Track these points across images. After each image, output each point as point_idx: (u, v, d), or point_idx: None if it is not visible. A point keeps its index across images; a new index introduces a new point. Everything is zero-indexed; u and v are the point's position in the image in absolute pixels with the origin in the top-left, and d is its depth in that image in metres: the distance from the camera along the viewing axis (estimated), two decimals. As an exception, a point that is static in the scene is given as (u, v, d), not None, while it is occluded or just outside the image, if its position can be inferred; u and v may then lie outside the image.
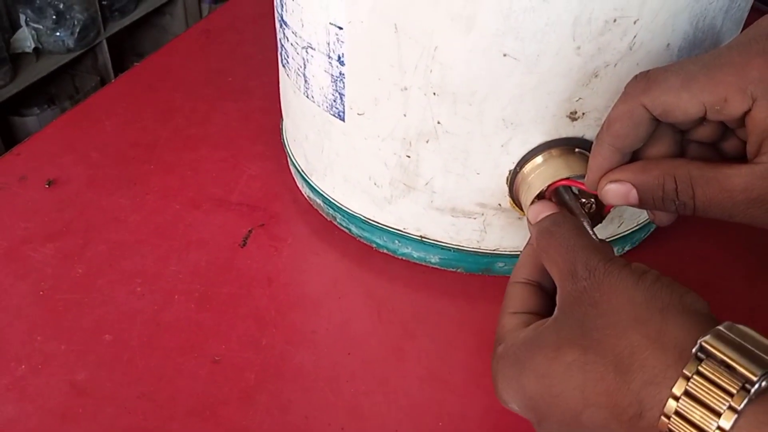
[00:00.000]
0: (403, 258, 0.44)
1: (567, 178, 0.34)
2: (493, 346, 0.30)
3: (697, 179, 0.28)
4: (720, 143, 0.30)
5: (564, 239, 0.28)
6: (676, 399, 0.22)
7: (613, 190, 0.30)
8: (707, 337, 0.22)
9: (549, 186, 0.35)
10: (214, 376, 0.38)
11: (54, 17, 1.53)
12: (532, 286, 0.30)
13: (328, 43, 0.37)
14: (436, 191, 0.39)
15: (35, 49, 1.54)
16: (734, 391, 0.21)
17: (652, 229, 0.46)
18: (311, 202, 0.48)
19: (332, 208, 0.45)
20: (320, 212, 0.47)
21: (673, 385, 0.22)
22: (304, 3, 0.37)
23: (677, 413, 0.22)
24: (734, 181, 0.27)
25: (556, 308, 0.27)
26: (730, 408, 0.21)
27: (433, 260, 0.43)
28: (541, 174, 0.35)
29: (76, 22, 1.57)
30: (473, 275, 0.44)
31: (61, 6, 1.54)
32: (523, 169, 0.36)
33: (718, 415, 0.21)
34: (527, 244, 0.32)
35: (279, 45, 0.44)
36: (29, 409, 0.36)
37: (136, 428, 0.35)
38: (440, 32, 0.33)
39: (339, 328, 0.41)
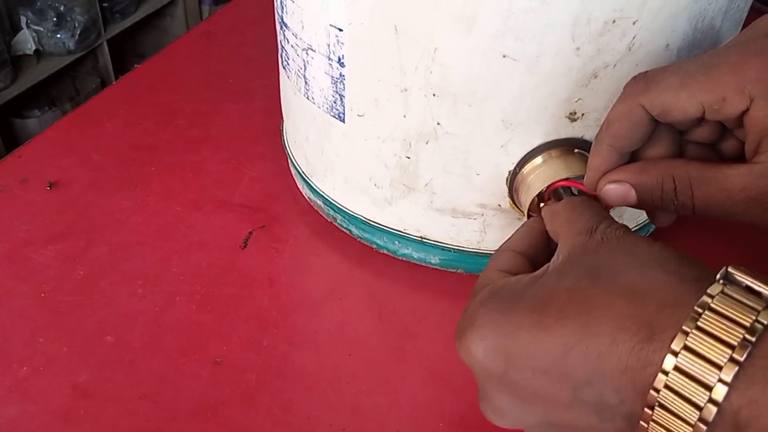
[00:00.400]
0: (404, 259, 0.44)
1: (566, 179, 0.34)
2: None
3: (696, 179, 0.28)
4: (718, 144, 0.30)
5: (591, 205, 0.28)
6: (698, 315, 0.20)
7: (613, 191, 0.30)
8: (730, 267, 0.21)
9: (549, 186, 0.35)
10: (215, 377, 0.38)
11: (55, 19, 1.54)
12: (524, 257, 0.29)
13: (329, 45, 0.37)
14: (436, 192, 0.39)
15: (36, 51, 1.54)
16: (760, 308, 0.20)
17: (651, 230, 0.46)
18: (312, 204, 0.48)
19: (333, 209, 0.45)
20: (321, 213, 0.47)
21: (695, 303, 0.21)
22: (305, 5, 0.37)
23: (699, 327, 0.20)
24: (733, 181, 0.27)
25: (559, 260, 0.25)
26: (757, 322, 0.20)
27: (433, 261, 0.43)
28: (541, 174, 0.35)
29: (76, 24, 1.57)
30: (473, 276, 0.44)
31: (62, 8, 1.54)
32: (523, 169, 0.36)
33: (744, 328, 0.20)
34: (523, 224, 0.31)
35: (279, 47, 0.44)
36: (31, 410, 0.36)
37: (137, 429, 0.35)
38: (440, 33, 0.33)
39: (340, 329, 0.41)
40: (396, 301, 0.43)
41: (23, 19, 1.53)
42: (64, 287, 0.43)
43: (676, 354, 0.20)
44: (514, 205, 0.38)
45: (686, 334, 0.20)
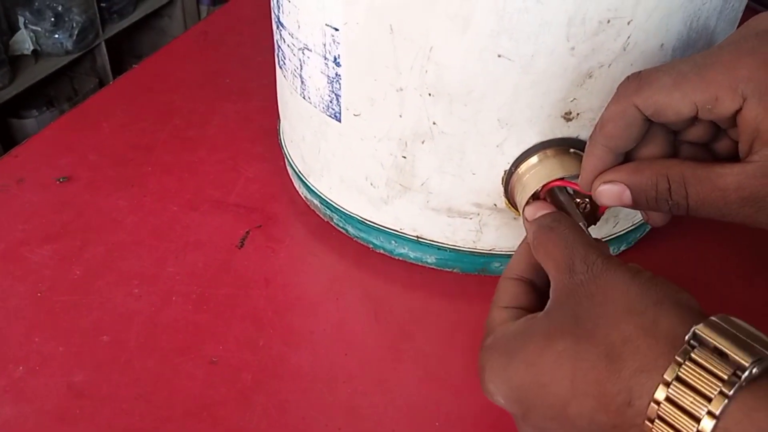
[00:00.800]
0: (400, 258, 0.44)
1: (562, 179, 0.34)
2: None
3: (690, 179, 0.28)
4: (712, 144, 0.30)
5: (563, 235, 0.29)
6: (667, 385, 0.22)
7: (607, 191, 0.30)
8: (700, 326, 0.22)
9: (544, 186, 0.35)
10: (211, 377, 0.38)
11: (52, 19, 1.54)
12: (525, 283, 0.30)
13: (324, 45, 0.37)
14: (432, 191, 0.39)
15: (34, 51, 1.54)
16: (725, 377, 0.21)
17: (647, 230, 0.47)
18: (308, 203, 0.48)
19: (329, 209, 0.45)
20: (317, 213, 0.47)
21: (665, 372, 0.22)
22: (300, 4, 0.37)
23: (668, 399, 0.22)
24: (727, 180, 0.27)
25: (549, 301, 0.27)
26: (721, 393, 0.21)
27: (429, 260, 0.43)
28: (536, 174, 0.35)
29: (74, 25, 1.57)
30: (469, 275, 0.44)
31: (60, 8, 1.54)
32: (518, 169, 0.36)
33: (709, 400, 0.21)
34: (522, 241, 0.32)
35: (276, 46, 0.44)
36: (27, 410, 0.36)
37: (133, 429, 0.35)
38: (435, 33, 0.33)
39: (336, 329, 0.41)
40: (392, 301, 0.43)
41: (21, 19, 1.53)
42: (60, 287, 0.43)
43: (651, 421, 0.22)
44: (509, 205, 0.38)
45: (658, 404, 0.22)
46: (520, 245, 0.32)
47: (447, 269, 0.44)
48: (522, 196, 0.36)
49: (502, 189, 0.38)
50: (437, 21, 0.33)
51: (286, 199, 0.50)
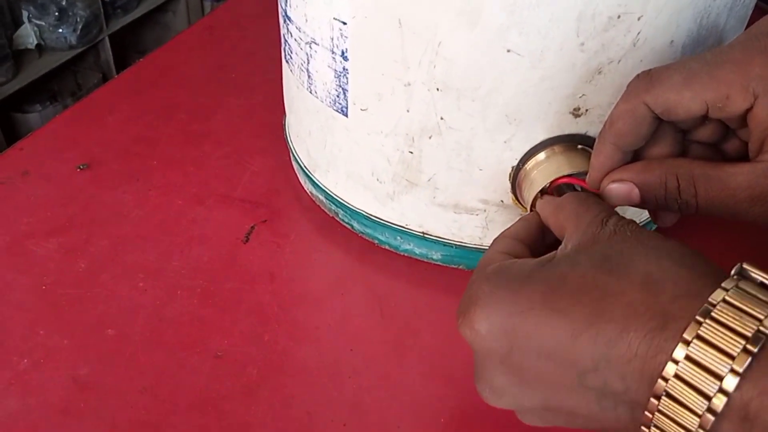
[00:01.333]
0: (406, 254, 0.44)
1: (569, 176, 0.34)
2: None
3: (699, 178, 0.28)
4: (721, 144, 0.30)
5: (594, 200, 0.28)
6: (712, 306, 0.20)
7: (616, 190, 0.30)
8: (745, 263, 0.22)
9: (552, 182, 0.35)
10: (216, 371, 0.38)
11: (56, 14, 1.54)
12: (524, 245, 0.29)
13: (332, 39, 0.37)
14: (439, 187, 0.39)
15: (38, 46, 1.54)
16: None
17: (653, 229, 0.46)
18: (314, 198, 0.48)
19: (335, 204, 0.45)
20: (323, 208, 0.47)
21: (710, 295, 0.21)
22: (308, -2, 0.37)
23: (713, 318, 0.20)
24: (737, 180, 0.27)
25: (566, 249, 0.26)
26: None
27: (435, 257, 0.43)
28: (544, 170, 0.35)
29: (78, 19, 1.57)
30: (475, 272, 0.44)
31: (64, 3, 1.54)
32: (526, 165, 0.36)
33: (758, 321, 0.20)
34: (522, 217, 0.31)
35: (282, 40, 0.44)
36: (31, 403, 0.36)
37: (138, 423, 0.35)
38: (444, 27, 0.33)
39: (341, 324, 0.41)
40: (397, 297, 0.43)
41: (25, 14, 1.53)
42: (65, 280, 0.43)
43: (687, 343, 0.20)
44: (516, 201, 0.38)
45: (699, 324, 0.20)
46: (518, 219, 0.31)
47: (453, 266, 0.44)
48: (529, 193, 0.36)
49: (509, 185, 0.38)
50: (446, 15, 0.32)
51: (292, 194, 0.50)
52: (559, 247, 0.26)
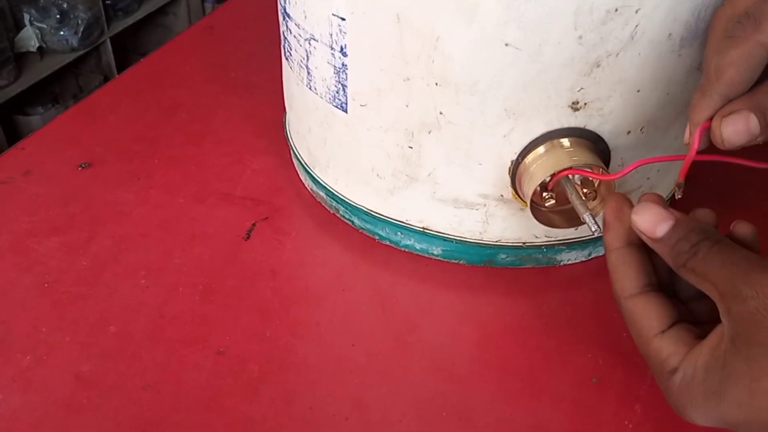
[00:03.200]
0: (406, 250, 0.44)
1: (570, 168, 0.34)
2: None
3: None
4: None
5: (713, 254, 0.26)
6: None
7: (732, 122, 0.28)
8: None
9: (553, 176, 0.35)
10: (218, 368, 0.38)
11: (58, 17, 1.54)
12: (655, 294, 0.29)
13: (331, 35, 0.37)
14: (439, 182, 0.39)
15: (39, 49, 1.55)
16: None
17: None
18: (314, 195, 0.48)
19: (335, 201, 0.45)
20: (323, 205, 0.47)
21: None
22: (307, -5, 0.37)
23: None
24: None
25: (725, 325, 0.26)
26: None
27: (435, 252, 0.43)
28: (544, 164, 0.35)
29: (80, 22, 1.58)
30: (476, 267, 0.44)
31: (65, 5, 1.55)
32: (525, 159, 0.36)
33: None
34: (610, 251, 0.30)
35: (282, 37, 0.44)
36: (34, 399, 0.36)
37: (140, 419, 0.35)
38: (442, 22, 0.33)
39: (342, 321, 0.41)
40: (399, 293, 0.43)
41: (26, 17, 1.53)
42: (66, 278, 0.43)
43: None
44: (516, 195, 0.38)
45: None
46: (611, 257, 0.30)
47: (453, 261, 0.44)
48: (529, 187, 0.36)
49: (509, 179, 0.38)
50: (444, 10, 0.33)
51: (292, 191, 0.50)
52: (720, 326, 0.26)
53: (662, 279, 0.30)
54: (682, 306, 0.30)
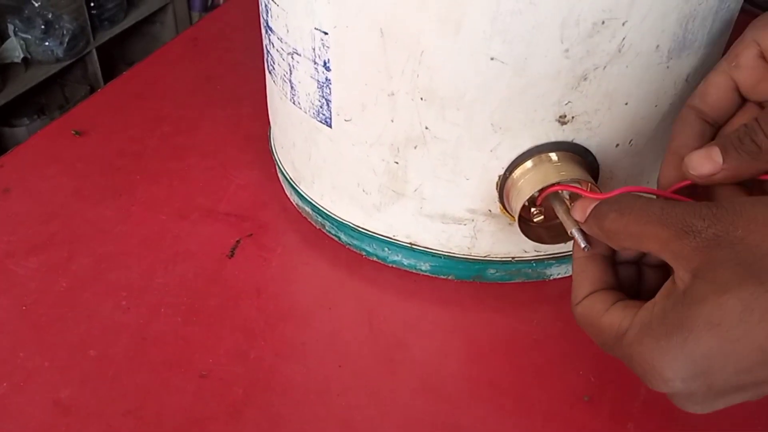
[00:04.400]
0: (394, 266, 0.43)
1: (558, 183, 0.34)
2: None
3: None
4: None
5: (648, 208, 0.27)
6: None
7: (697, 155, 0.29)
8: None
9: (541, 191, 0.34)
10: (201, 391, 0.37)
11: (43, 27, 1.53)
12: (602, 290, 0.29)
13: (314, 49, 0.36)
14: (426, 197, 0.39)
15: (24, 59, 1.53)
16: None
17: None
18: (300, 211, 0.47)
19: (321, 216, 0.45)
20: (309, 220, 0.47)
21: None
22: (289, 8, 0.36)
23: None
24: None
25: (679, 271, 0.25)
26: None
27: (423, 268, 0.43)
28: (531, 179, 0.35)
29: (65, 32, 1.56)
30: (465, 282, 0.43)
31: (50, 15, 1.53)
32: (513, 174, 0.36)
33: None
34: (573, 259, 0.31)
35: (265, 51, 0.43)
36: (11, 428, 0.35)
37: (121, 446, 0.34)
38: (427, 36, 0.32)
39: (329, 340, 0.40)
40: (386, 310, 0.42)
41: (11, 27, 1.51)
42: (46, 300, 0.42)
43: None
44: (504, 210, 0.38)
45: None
46: (575, 270, 0.31)
47: (441, 276, 0.43)
48: (517, 202, 0.35)
49: (496, 194, 0.37)
50: (428, 24, 0.32)
51: (278, 206, 0.49)
52: (674, 279, 0.26)
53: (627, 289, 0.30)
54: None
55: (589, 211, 0.29)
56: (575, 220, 0.32)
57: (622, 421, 0.36)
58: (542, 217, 0.36)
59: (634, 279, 0.31)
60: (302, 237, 0.46)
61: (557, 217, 0.34)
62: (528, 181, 0.35)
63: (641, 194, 0.28)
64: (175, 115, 0.57)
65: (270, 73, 0.43)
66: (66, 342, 0.39)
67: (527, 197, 0.34)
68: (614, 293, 0.29)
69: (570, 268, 0.43)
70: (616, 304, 0.28)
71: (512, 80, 0.33)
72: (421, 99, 0.34)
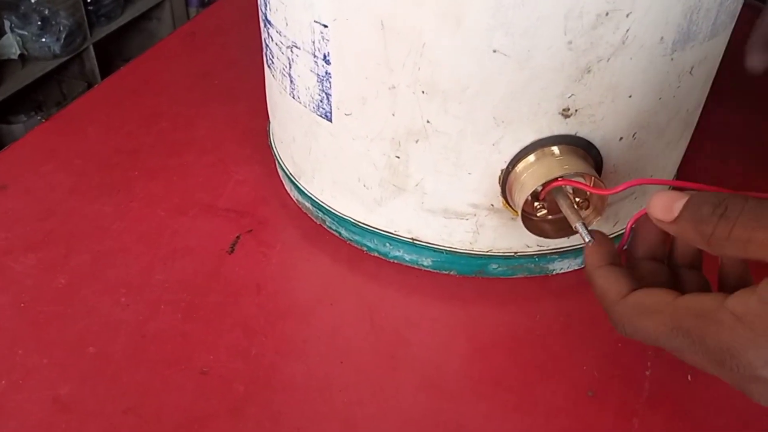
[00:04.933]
0: (395, 261, 0.43)
1: (561, 177, 0.33)
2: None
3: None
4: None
5: (762, 210, 0.23)
6: None
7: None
8: None
9: (545, 186, 0.34)
10: (202, 389, 0.37)
11: (39, 23, 1.52)
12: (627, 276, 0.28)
13: (313, 42, 0.36)
14: (427, 192, 0.38)
15: (21, 56, 1.52)
16: None
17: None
18: (300, 206, 0.47)
19: (321, 212, 0.44)
20: (309, 216, 0.46)
21: None
22: (288, 1, 0.36)
23: None
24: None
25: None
26: None
27: (425, 263, 0.42)
28: (534, 173, 0.34)
29: (62, 28, 1.55)
30: (467, 277, 0.43)
31: (47, 12, 1.52)
32: (516, 168, 0.35)
33: None
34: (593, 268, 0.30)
35: (263, 45, 0.43)
36: (10, 426, 0.35)
37: (121, 444, 0.34)
38: (428, 29, 0.32)
39: (330, 336, 0.40)
40: (388, 306, 0.42)
41: (7, 24, 1.51)
42: (44, 297, 0.41)
43: None
44: (507, 205, 0.37)
45: None
46: (590, 266, 0.30)
47: (443, 272, 0.43)
48: (520, 196, 0.35)
49: (499, 189, 0.37)
50: (429, 16, 0.31)
51: (277, 202, 0.48)
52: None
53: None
54: None
55: (677, 209, 0.26)
56: (579, 216, 0.32)
57: (626, 416, 0.36)
58: (545, 211, 0.36)
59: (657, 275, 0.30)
60: (302, 233, 0.46)
61: (560, 212, 0.34)
62: (531, 175, 0.34)
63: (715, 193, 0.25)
64: (173, 111, 0.57)
65: (269, 67, 0.43)
66: (65, 339, 0.39)
67: (530, 191, 0.34)
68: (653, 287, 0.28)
69: (572, 263, 0.43)
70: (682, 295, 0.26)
71: (515, 73, 0.32)
72: (423, 92, 0.34)
